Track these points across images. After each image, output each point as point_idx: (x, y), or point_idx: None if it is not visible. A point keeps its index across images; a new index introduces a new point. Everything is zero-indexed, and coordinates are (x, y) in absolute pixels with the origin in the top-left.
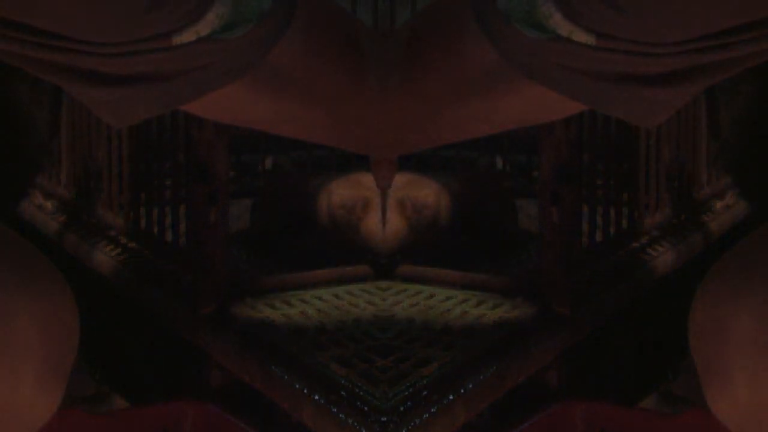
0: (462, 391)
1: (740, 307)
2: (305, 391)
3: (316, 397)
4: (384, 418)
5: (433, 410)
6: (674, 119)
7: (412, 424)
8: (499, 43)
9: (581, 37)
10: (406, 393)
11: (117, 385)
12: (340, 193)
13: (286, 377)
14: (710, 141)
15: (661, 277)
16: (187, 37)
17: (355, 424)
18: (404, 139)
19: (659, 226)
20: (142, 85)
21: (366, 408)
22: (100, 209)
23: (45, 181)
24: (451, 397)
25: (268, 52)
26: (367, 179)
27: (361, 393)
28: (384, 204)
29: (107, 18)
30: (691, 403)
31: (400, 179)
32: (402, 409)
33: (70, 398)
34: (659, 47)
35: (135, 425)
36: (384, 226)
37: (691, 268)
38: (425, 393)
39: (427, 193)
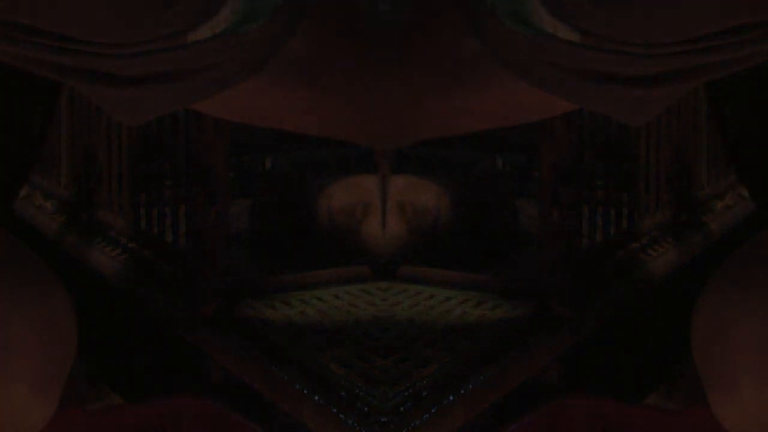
0: (462, 391)
1: (746, 311)
2: (305, 391)
3: (316, 397)
4: (384, 418)
5: (433, 410)
6: (674, 119)
7: (412, 424)
8: (484, 37)
9: (566, 33)
10: (406, 393)
11: (116, 385)
12: (340, 196)
13: (286, 377)
14: (711, 142)
15: (661, 277)
16: (201, 33)
17: (355, 424)
18: (390, 129)
19: (659, 226)
20: (158, 84)
21: (366, 408)
22: (100, 209)
23: (45, 181)
24: (451, 397)
25: (284, 44)
26: (368, 182)
27: (361, 393)
28: (384, 207)
29: (121, 19)
30: (691, 404)
31: (399, 182)
32: (402, 409)
33: (69, 398)
34: (645, 48)
35: (133, 422)
36: (384, 229)
37: (692, 269)
38: (425, 393)
39: (427, 196)
